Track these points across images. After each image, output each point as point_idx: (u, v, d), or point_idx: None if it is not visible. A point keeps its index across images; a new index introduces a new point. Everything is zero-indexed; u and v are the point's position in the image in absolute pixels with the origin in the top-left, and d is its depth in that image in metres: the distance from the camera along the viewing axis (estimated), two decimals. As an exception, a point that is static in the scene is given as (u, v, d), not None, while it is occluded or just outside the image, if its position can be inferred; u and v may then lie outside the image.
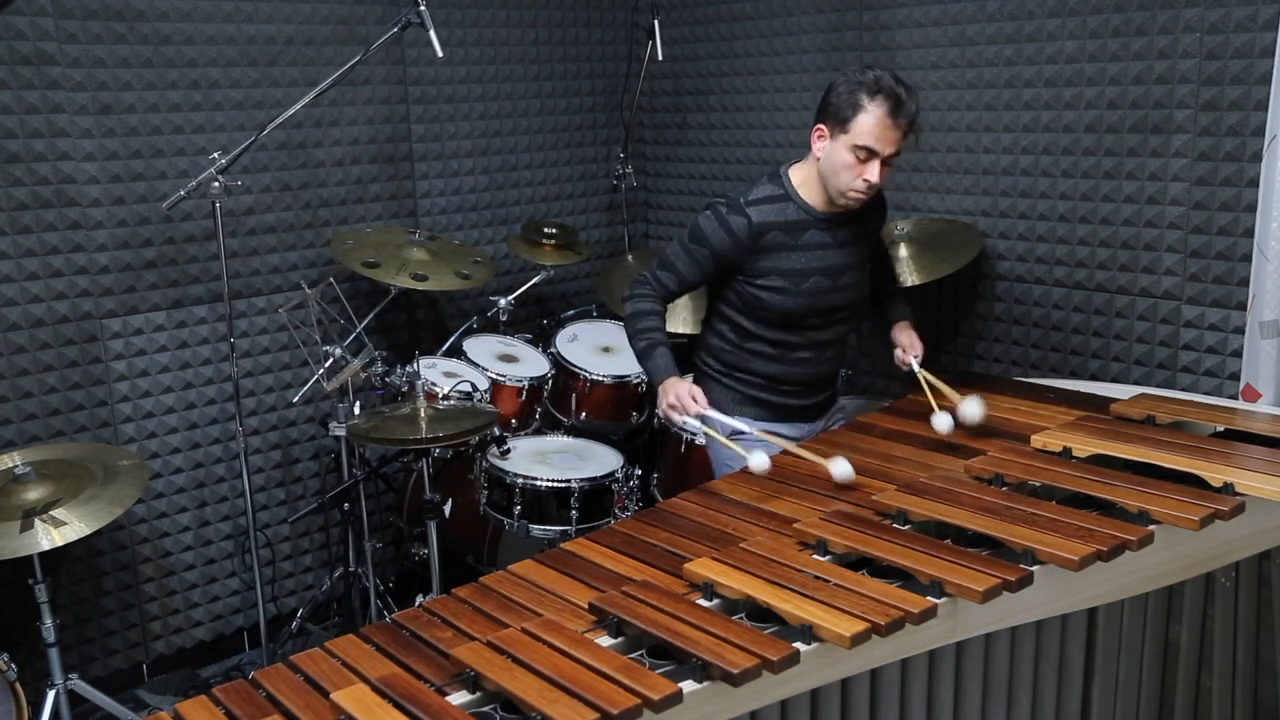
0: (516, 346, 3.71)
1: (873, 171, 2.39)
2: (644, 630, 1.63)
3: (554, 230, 3.86)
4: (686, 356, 3.41)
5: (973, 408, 2.47)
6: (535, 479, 3.19)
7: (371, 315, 3.52)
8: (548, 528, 3.20)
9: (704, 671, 1.52)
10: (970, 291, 3.42)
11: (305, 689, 1.59)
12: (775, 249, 2.52)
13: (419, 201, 3.88)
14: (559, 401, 3.59)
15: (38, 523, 2.57)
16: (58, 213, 3.13)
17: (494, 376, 3.42)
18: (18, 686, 2.61)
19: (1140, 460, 2.14)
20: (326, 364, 3.24)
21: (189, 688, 3.43)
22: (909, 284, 3.15)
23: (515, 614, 1.80)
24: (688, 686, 1.50)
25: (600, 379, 3.53)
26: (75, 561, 3.28)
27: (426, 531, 3.11)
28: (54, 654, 2.81)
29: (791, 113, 3.86)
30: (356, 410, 3.19)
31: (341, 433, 3.24)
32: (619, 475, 3.26)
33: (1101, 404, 2.56)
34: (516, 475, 3.18)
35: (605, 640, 1.66)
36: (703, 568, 1.83)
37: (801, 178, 2.55)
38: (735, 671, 1.49)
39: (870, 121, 2.35)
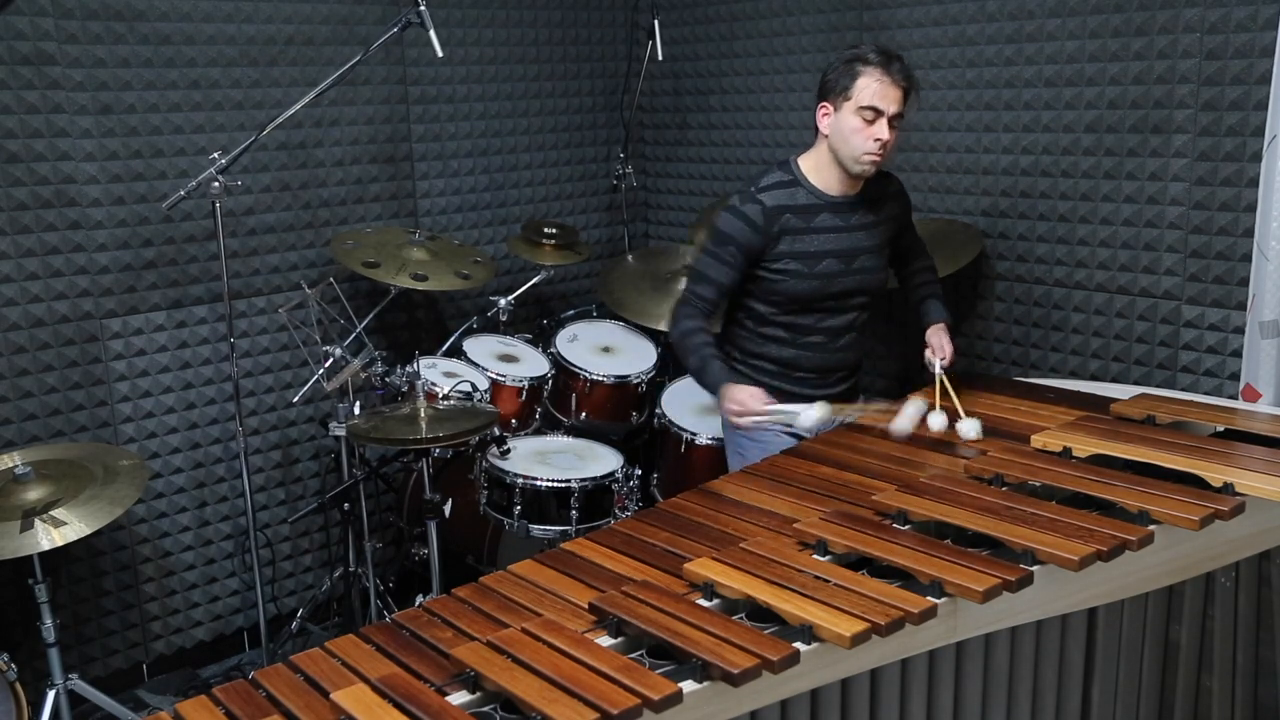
0: (516, 346, 3.71)
1: (881, 130, 2.47)
2: (644, 630, 1.62)
3: (554, 230, 3.86)
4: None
5: (971, 428, 2.46)
6: (535, 479, 3.19)
7: (371, 315, 3.52)
8: (548, 528, 3.20)
9: (704, 671, 1.52)
10: (970, 291, 3.42)
11: (305, 689, 1.59)
12: (790, 232, 2.58)
13: (419, 201, 3.88)
14: (559, 401, 3.59)
15: (38, 523, 2.57)
16: (58, 213, 3.13)
17: (494, 376, 3.42)
18: (18, 686, 2.61)
19: (1140, 460, 2.14)
20: (326, 364, 3.24)
21: (189, 688, 3.43)
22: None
23: (515, 614, 1.80)
24: (688, 686, 1.50)
25: (600, 379, 3.53)
26: (75, 561, 3.28)
27: (426, 531, 3.11)
28: (54, 654, 2.81)
29: (791, 113, 3.86)
30: (356, 410, 3.19)
31: (341, 433, 3.24)
32: (619, 475, 3.26)
33: (1101, 404, 2.56)
34: (516, 475, 3.18)
35: (605, 640, 1.66)
36: (703, 568, 1.83)
37: (811, 164, 2.62)
38: (735, 671, 1.49)
39: (869, 81, 2.45)
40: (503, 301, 3.77)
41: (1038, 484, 2.12)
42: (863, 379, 3.75)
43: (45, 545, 2.54)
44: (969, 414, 2.49)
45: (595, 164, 4.36)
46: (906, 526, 2.00)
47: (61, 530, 2.57)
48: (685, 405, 3.47)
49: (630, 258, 4.03)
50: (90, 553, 3.31)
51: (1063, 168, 3.14)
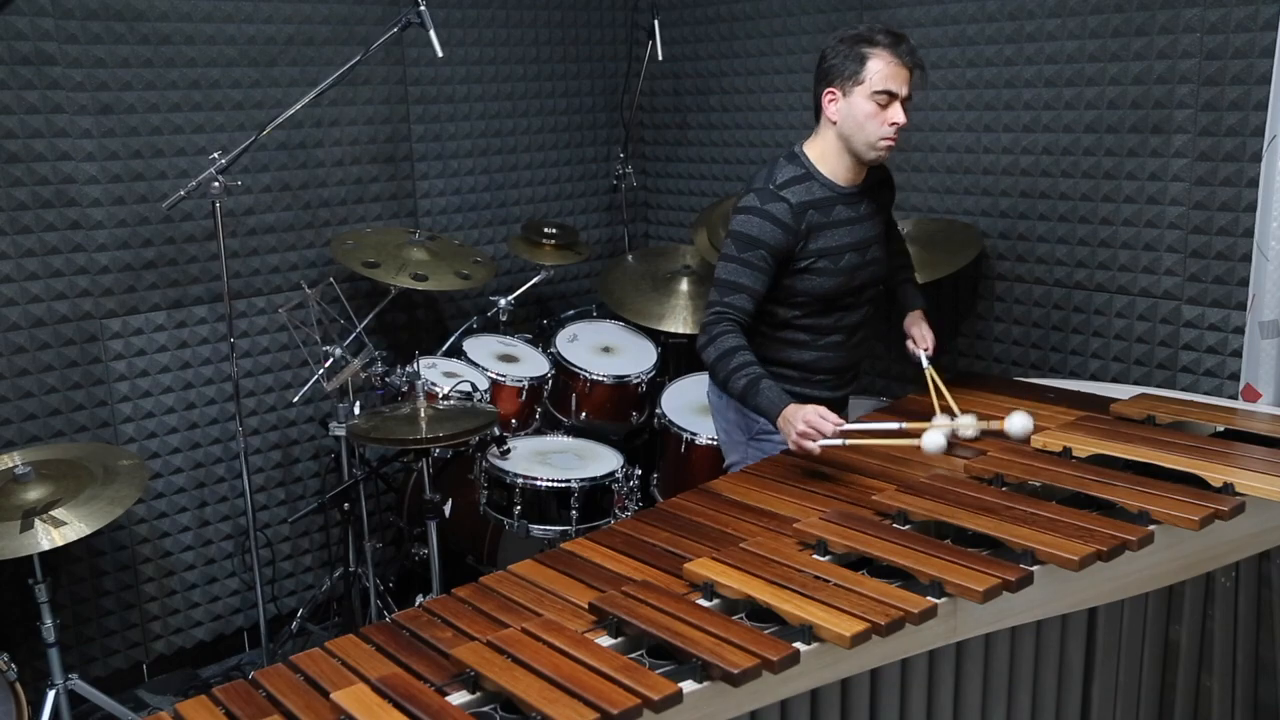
0: (516, 346, 3.71)
1: (896, 113, 2.37)
2: (644, 630, 1.63)
3: (554, 230, 3.86)
4: (689, 356, 3.42)
5: (969, 425, 2.43)
6: (535, 479, 3.18)
7: (371, 315, 3.52)
8: (548, 528, 3.20)
9: (704, 671, 1.52)
10: (970, 291, 3.42)
11: (305, 689, 1.59)
12: (816, 229, 2.46)
13: (419, 201, 3.88)
14: (559, 401, 3.59)
15: (38, 523, 2.57)
16: (58, 213, 3.13)
17: (494, 376, 3.42)
18: (18, 686, 2.61)
19: (1140, 460, 2.14)
20: (326, 364, 3.24)
21: (189, 688, 3.43)
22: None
23: (515, 614, 1.80)
24: (688, 686, 1.50)
25: (600, 379, 3.53)
26: (75, 561, 3.28)
27: (426, 531, 3.12)
28: (54, 654, 2.81)
29: (791, 112, 3.86)
30: (356, 410, 3.19)
31: (341, 433, 3.24)
32: (619, 475, 3.26)
33: (1101, 404, 2.56)
34: (516, 475, 3.18)
35: (605, 640, 1.66)
36: (703, 568, 1.83)
37: (818, 152, 2.49)
38: (735, 671, 1.49)
39: (880, 64, 2.34)
40: (503, 301, 3.77)
41: (1038, 484, 2.12)
42: (862, 379, 3.76)
43: (45, 545, 2.54)
44: (964, 410, 2.48)
45: (595, 164, 4.36)
46: (906, 526, 2.00)
47: (61, 530, 2.57)
48: (685, 405, 3.47)
49: (630, 258, 4.03)
50: (90, 553, 3.31)
51: (1063, 168, 3.14)
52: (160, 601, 3.48)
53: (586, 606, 1.76)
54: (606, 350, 3.72)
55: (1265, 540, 2.12)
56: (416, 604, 2.00)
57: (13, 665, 2.63)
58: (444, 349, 3.65)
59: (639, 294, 3.79)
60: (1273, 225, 2.61)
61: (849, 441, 2.31)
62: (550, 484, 3.19)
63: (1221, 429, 2.36)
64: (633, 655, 1.61)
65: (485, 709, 1.52)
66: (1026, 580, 1.76)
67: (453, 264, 3.51)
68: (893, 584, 1.75)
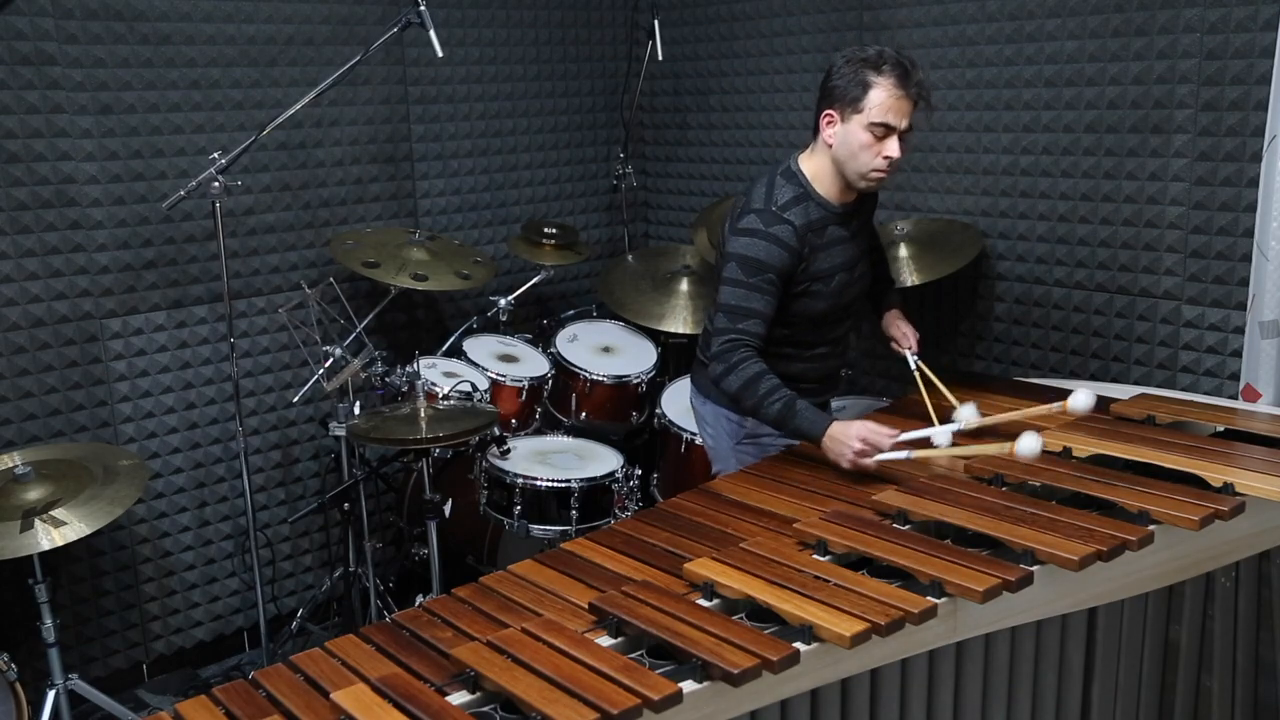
0: (516, 346, 3.71)
1: (892, 147, 2.31)
2: (644, 630, 1.63)
3: (554, 230, 3.86)
4: (688, 356, 3.41)
5: (970, 414, 2.42)
6: (535, 479, 3.18)
7: (371, 315, 3.52)
8: (548, 528, 3.20)
9: (704, 671, 1.52)
10: (970, 291, 3.42)
11: (305, 689, 1.59)
12: (814, 251, 2.44)
13: (419, 201, 3.88)
14: (559, 401, 3.59)
15: (38, 523, 2.57)
16: (58, 213, 3.13)
17: (494, 376, 3.42)
18: (18, 686, 2.61)
19: (1140, 460, 2.14)
20: (326, 364, 3.24)
21: (189, 688, 3.43)
22: (909, 284, 3.16)
23: (515, 614, 1.80)
24: (688, 686, 1.50)
25: (600, 379, 3.53)
26: (75, 561, 3.28)
27: (426, 531, 3.11)
28: (54, 654, 2.81)
29: (791, 113, 3.86)
30: (356, 410, 3.19)
31: (341, 433, 3.24)
32: (619, 475, 3.26)
33: (1101, 404, 2.56)
34: (516, 475, 3.18)
35: (605, 640, 1.66)
36: (703, 568, 1.83)
37: (814, 170, 2.45)
38: (735, 671, 1.49)
39: (882, 95, 2.28)
40: (503, 301, 3.77)
41: (1038, 484, 2.12)
42: (862, 379, 3.77)
43: (45, 545, 2.54)
44: (961, 401, 2.47)
45: (595, 164, 4.36)
46: (906, 526, 2.00)
47: (61, 530, 2.57)
48: (685, 405, 3.45)
49: (630, 258, 4.03)
50: (90, 553, 3.31)
51: (1063, 168, 3.14)
52: (160, 601, 3.48)
53: (586, 606, 1.76)
54: (606, 350, 3.72)
55: (1265, 540, 2.12)
56: (416, 604, 2.00)
57: (13, 665, 2.63)
58: (444, 349, 3.65)
59: (639, 294, 3.79)
60: (1273, 225, 2.61)
61: (909, 454, 2.25)
62: (550, 484, 3.19)
63: (1221, 429, 2.36)
64: (633, 655, 1.61)
65: (485, 709, 1.52)
66: (1026, 580, 1.76)
67: (453, 264, 3.51)
68: (893, 584, 1.75)
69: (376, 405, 3.29)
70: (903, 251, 3.25)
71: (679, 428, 3.35)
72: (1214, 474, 2.03)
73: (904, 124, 2.32)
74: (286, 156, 3.52)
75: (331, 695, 1.53)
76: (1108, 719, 2.07)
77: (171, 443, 3.43)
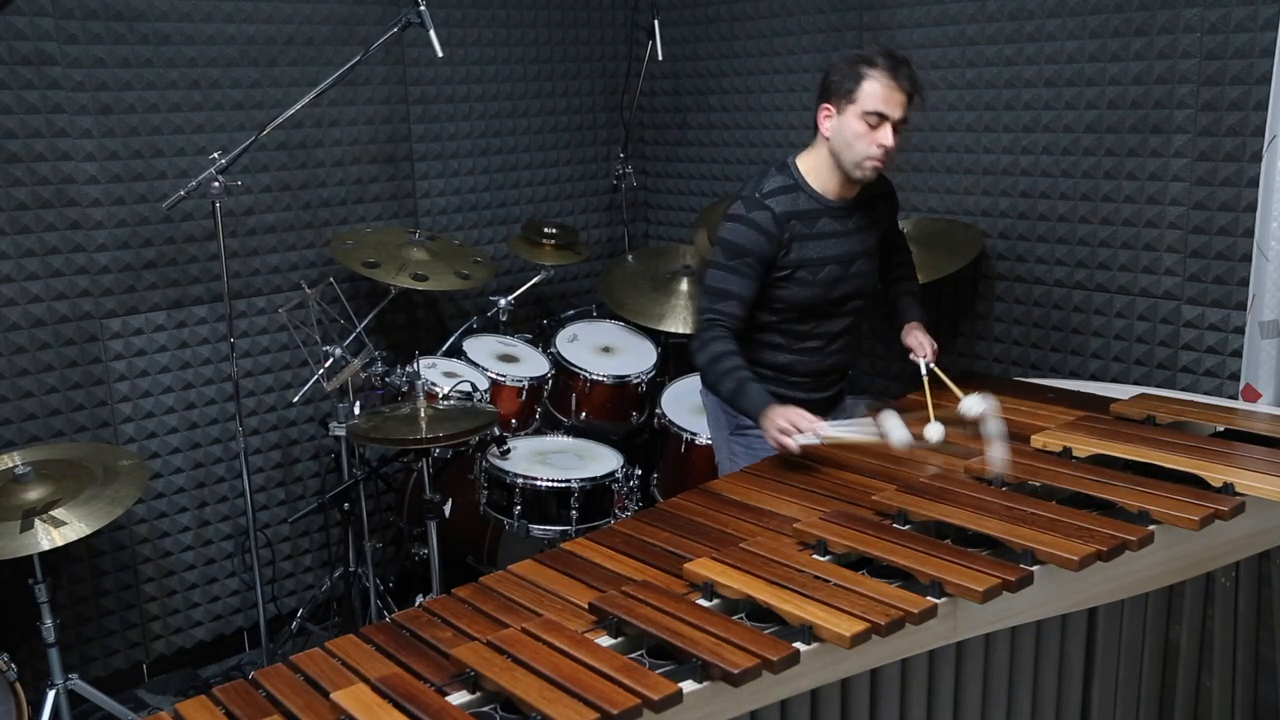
0: (516, 346, 3.71)
1: (885, 136, 2.40)
2: (644, 630, 1.63)
3: (554, 230, 3.86)
4: (688, 355, 3.41)
5: (974, 404, 2.45)
6: (535, 479, 3.19)
7: (371, 315, 3.52)
8: (548, 528, 3.20)
9: (704, 671, 1.52)
10: (970, 291, 3.42)
11: (305, 689, 1.59)
12: (798, 239, 2.51)
13: (419, 201, 3.88)
14: (559, 401, 3.59)
15: (38, 523, 2.57)
16: (58, 213, 3.13)
17: (494, 376, 3.42)
18: (18, 686, 2.61)
19: (1140, 460, 2.14)
20: (326, 364, 3.24)
21: (189, 688, 3.43)
22: (909, 284, 3.15)
23: (515, 614, 1.80)
24: (688, 686, 1.50)
25: (600, 379, 3.53)
26: (75, 561, 3.28)
27: (426, 531, 3.12)
28: (54, 654, 2.81)
29: (791, 112, 3.86)
30: (356, 410, 3.19)
31: (341, 433, 3.24)
32: (619, 475, 3.26)
33: (1101, 404, 2.56)
34: (516, 475, 3.18)
35: (605, 640, 1.66)
36: (703, 568, 1.83)
37: (810, 165, 2.54)
38: (735, 671, 1.49)
39: (875, 86, 2.37)
40: (503, 301, 3.77)
41: (1038, 484, 2.12)
42: (862, 379, 3.77)
43: (45, 545, 2.54)
44: (967, 393, 2.47)
45: (595, 164, 4.36)
46: (906, 526, 2.00)
47: (61, 530, 2.57)
48: (685, 405, 3.47)
49: (630, 258, 4.03)
50: (90, 553, 3.31)
51: (1063, 168, 3.14)
52: (160, 601, 3.48)
53: (586, 606, 1.76)
54: (606, 350, 3.72)
55: (1265, 540, 2.12)
56: (416, 604, 2.00)
57: (13, 665, 2.63)
58: (444, 349, 3.65)
59: (639, 294, 3.79)
60: (1273, 225, 2.61)
61: (825, 441, 2.35)
62: (550, 484, 3.19)
63: (1221, 429, 2.36)
64: (633, 655, 1.61)
65: (485, 709, 1.52)
66: (1026, 580, 1.76)
67: (453, 264, 3.51)
68: (893, 584, 1.75)
69: (376, 405, 3.29)
70: (903, 251, 3.25)
71: (679, 428, 3.35)
72: (1214, 474, 2.03)
73: (897, 114, 2.40)
74: (286, 156, 3.52)
75: (331, 695, 1.53)
76: (1108, 719, 2.07)
77: (171, 443, 3.43)
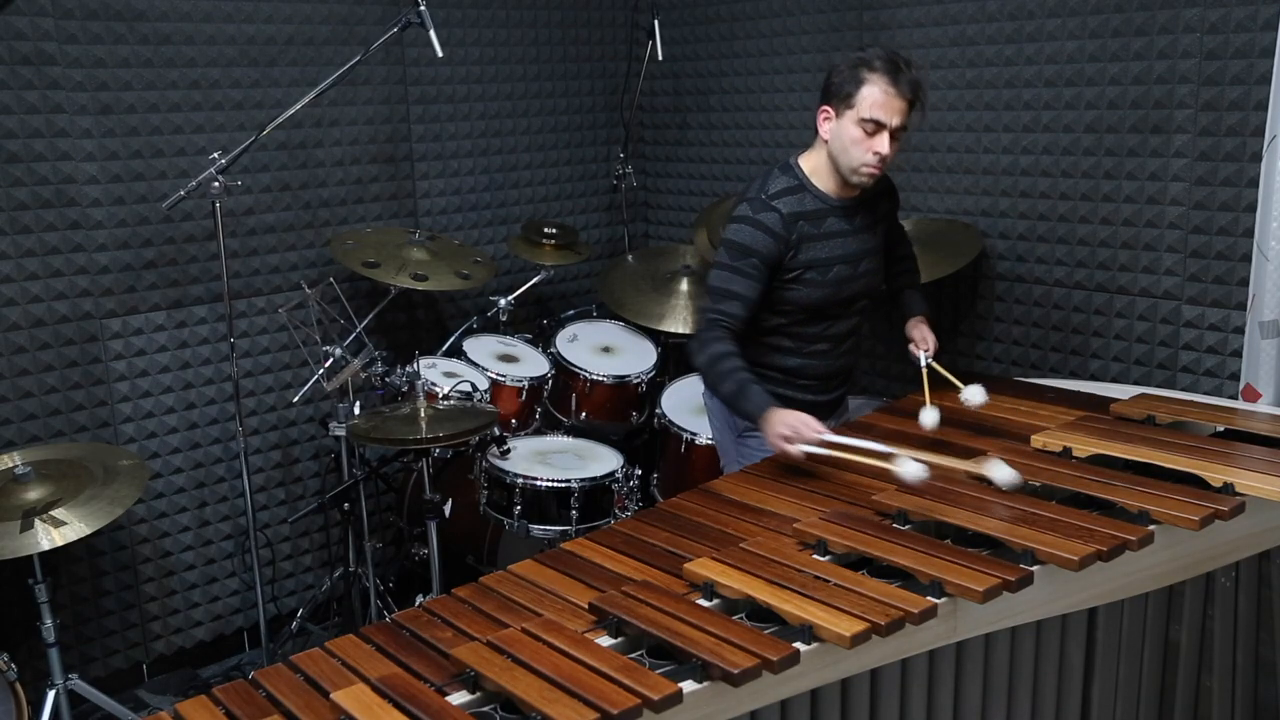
0: (516, 346, 3.71)
1: (882, 143, 2.37)
2: (644, 630, 1.63)
3: (554, 230, 3.86)
4: (688, 355, 3.41)
5: (975, 394, 2.45)
6: (535, 479, 3.19)
7: (371, 315, 3.52)
8: (548, 528, 3.20)
9: (704, 671, 1.52)
10: (970, 291, 3.42)
11: (305, 689, 1.59)
12: (805, 240, 2.49)
13: (419, 201, 3.88)
14: (559, 401, 3.59)
15: (38, 523, 2.57)
16: (58, 213, 3.13)
17: (494, 376, 3.42)
18: (18, 686, 2.61)
19: (1140, 460, 2.14)
20: (326, 364, 3.24)
21: (189, 688, 3.43)
22: (909, 284, 3.16)
23: (515, 614, 1.79)
24: (688, 686, 1.50)
25: (600, 379, 3.53)
26: (75, 561, 3.28)
27: (426, 531, 3.12)
28: (54, 654, 2.81)
29: (791, 113, 3.86)
30: (356, 410, 3.19)
31: (341, 433, 3.24)
32: (619, 475, 3.26)
33: (1101, 404, 2.56)
34: (516, 475, 3.18)
35: (605, 640, 1.66)
36: (703, 568, 1.83)
37: (812, 165, 2.52)
38: (735, 671, 1.49)
39: (874, 92, 2.34)
40: (503, 301, 3.77)
41: (1038, 484, 2.12)
42: (863, 379, 3.77)
43: (45, 545, 2.54)
44: (967, 384, 2.48)
45: (595, 164, 4.36)
46: (906, 526, 2.00)
47: (61, 530, 2.57)
48: (685, 405, 3.47)
49: (630, 258, 4.03)
50: (90, 553, 3.31)
51: (1063, 168, 3.14)
52: (160, 601, 3.48)
53: (586, 606, 1.76)
54: (606, 350, 3.72)
55: (1265, 540, 2.12)
56: (416, 604, 2.00)
57: (13, 665, 2.63)
58: (444, 349, 3.65)
59: (639, 294, 3.79)
60: (1273, 225, 2.61)
61: (828, 451, 2.30)
62: (550, 484, 3.19)
63: (1221, 429, 2.36)
64: (633, 655, 1.61)
65: (485, 709, 1.52)
66: (1026, 580, 1.76)
67: (453, 264, 3.51)
68: (893, 584, 1.75)
69: (376, 405, 3.29)
70: (903, 251, 3.25)
71: (679, 428, 3.35)
72: (1214, 474, 2.03)
73: (895, 121, 2.37)
74: (286, 156, 3.52)
75: (331, 695, 1.53)
76: (1107, 719, 2.07)
77: (171, 443, 3.43)
